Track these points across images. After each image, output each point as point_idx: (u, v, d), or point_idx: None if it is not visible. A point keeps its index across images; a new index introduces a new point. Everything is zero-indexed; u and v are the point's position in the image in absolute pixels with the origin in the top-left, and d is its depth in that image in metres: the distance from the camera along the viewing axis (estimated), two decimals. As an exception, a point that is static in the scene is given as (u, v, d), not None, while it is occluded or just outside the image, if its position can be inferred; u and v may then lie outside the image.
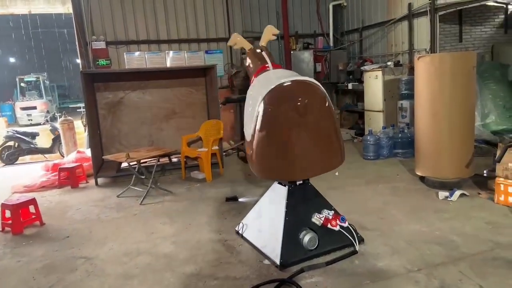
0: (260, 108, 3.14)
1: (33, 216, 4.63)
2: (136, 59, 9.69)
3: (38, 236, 4.32)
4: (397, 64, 8.14)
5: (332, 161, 3.32)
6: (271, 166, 3.24)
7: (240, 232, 3.86)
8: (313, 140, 3.18)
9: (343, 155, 3.35)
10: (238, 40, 4.04)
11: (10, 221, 4.44)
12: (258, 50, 4.00)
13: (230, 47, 10.40)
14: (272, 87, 3.15)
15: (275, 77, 3.44)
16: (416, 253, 3.33)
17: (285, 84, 3.18)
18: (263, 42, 4.06)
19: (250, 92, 3.64)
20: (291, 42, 10.39)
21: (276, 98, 3.14)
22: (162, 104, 7.33)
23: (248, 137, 3.38)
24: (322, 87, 3.27)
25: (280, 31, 4.19)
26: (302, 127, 3.11)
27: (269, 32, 4.06)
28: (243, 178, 6.12)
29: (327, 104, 3.20)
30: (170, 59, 9.85)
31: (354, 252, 3.34)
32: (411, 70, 7.54)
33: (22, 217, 4.50)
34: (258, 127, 3.15)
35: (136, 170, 5.69)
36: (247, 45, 4.05)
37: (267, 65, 3.81)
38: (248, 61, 4.07)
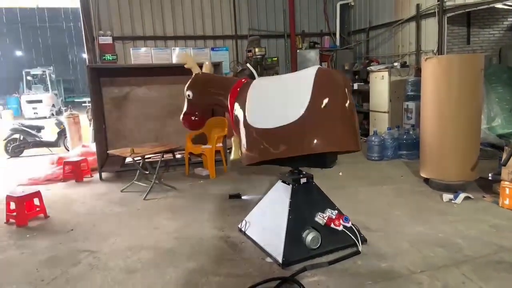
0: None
1: (38, 209, 4.66)
2: (143, 54, 9.71)
3: (42, 228, 4.35)
4: (403, 65, 8.11)
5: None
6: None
7: (243, 229, 3.86)
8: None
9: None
10: (190, 62, 4.15)
11: (14, 213, 4.47)
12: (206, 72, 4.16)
13: (236, 46, 10.41)
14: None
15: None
16: (419, 255, 3.32)
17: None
18: (206, 70, 4.18)
19: (268, 86, 3.54)
20: (297, 41, 10.38)
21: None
22: (167, 100, 7.33)
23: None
24: None
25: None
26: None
27: (192, 60, 4.19)
28: (247, 176, 6.13)
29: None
30: (176, 55, 9.86)
31: (357, 253, 3.34)
32: (418, 72, 7.52)
33: (27, 210, 4.53)
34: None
35: (140, 165, 5.70)
36: (196, 70, 4.10)
37: (242, 79, 3.84)
38: (198, 78, 4.05)
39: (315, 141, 2.95)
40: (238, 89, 3.67)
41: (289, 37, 10.58)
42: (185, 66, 4.10)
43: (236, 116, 3.56)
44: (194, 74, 4.09)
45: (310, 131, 2.97)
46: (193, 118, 4.10)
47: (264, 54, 9.40)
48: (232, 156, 4.04)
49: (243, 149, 3.39)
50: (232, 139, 4.03)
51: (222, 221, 4.30)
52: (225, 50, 10.29)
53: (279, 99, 3.26)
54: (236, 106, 3.60)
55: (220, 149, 6.39)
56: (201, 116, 4.14)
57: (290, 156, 3.09)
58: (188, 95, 4.04)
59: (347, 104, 3.07)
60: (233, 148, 4.02)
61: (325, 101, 2.97)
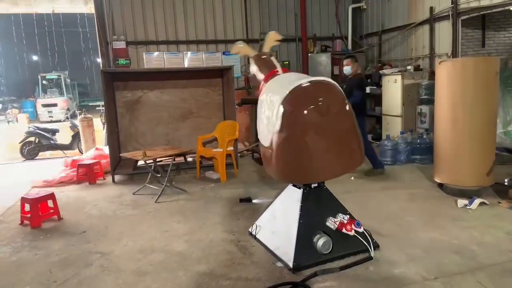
0: (280, 111, 3.11)
1: (51, 211, 4.72)
2: (155, 59, 9.81)
3: (55, 230, 4.41)
4: (417, 68, 8.02)
5: (351, 162, 3.30)
6: (291, 168, 3.22)
7: (254, 233, 3.85)
8: (333, 142, 3.15)
9: (362, 156, 3.34)
10: (241, 48, 4.09)
11: (29, 215, 4.54)
12: (264, 56, 4.01)
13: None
14: (291, 88, 3.12)
15: (290, 79, 3.43)
16: (433, 261, 3.26)
17: (304, 85, 3.15)
18: (266, 48, 4.07)
19: (262, 97, 3.61)
20: (308, 44, 10.36)
21: (297, 100, 3.11)
22: (179, 104, 7.40)
23: (265, 142, 3.39)
24: (339, 87, 3.27)
25: (282, 36, 4.19)
26: (323, 128, 3.09)
27: (272, 38, 4.08)
28: (258, 180, 6.12)
29: (346, 104, 3.19)
30: (188, 59, 9.94)
31: (369, 258, 3.29)
32: (432, 75, 7.42)
33: (41, 211, 4.60)
34: (278, 129, 3.12)
35: (152, 168, 5.75)
36: (251, 52, 4.07)
37: (276, 70, 3.80)
38: (254, 68, 4.05)
39: None
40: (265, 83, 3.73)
41: (300, 41, 10.57)
42: (240, 55, 4.23)
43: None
44: (250, 58, 4.09)
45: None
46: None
47: (275, 58, 9.38)
48: None
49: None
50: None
51: (232, 224, 4.30)
52: (236, 54, 10.32)
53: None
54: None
55: (231, 152, 6.40)
56: None
57: None
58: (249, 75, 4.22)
59: None
60: None
61: None
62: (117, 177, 6.46)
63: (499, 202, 4.55)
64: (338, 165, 3.23)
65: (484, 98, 4.63)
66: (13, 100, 26.21)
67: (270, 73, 3.79)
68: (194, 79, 7.39)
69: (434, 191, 5.14)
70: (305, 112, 3.05)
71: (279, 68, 3.82)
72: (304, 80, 3.21)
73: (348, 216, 3.38)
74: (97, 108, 14.39)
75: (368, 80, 9.38)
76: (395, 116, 7.86)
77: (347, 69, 5.94)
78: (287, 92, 3.12)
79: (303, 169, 3.18)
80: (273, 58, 3.99)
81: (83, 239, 4.10)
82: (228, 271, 3.24)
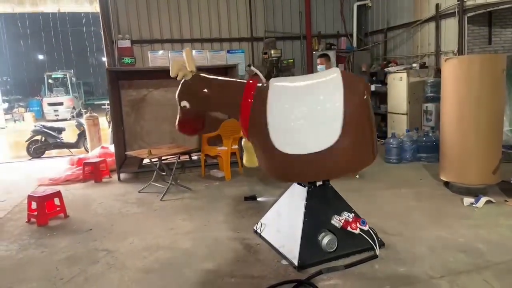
0: (354, 100, 3.07)
1: (58, 209, 4.76)
2: (160, 57, 9.83)
3: (62, 228, 4.44)
4: (423, 66, 7.97)
5: (373, 155, 3.38)
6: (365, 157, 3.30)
7: (258, 231, 3.85)
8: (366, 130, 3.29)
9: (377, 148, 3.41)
10: (181, 66, 3.35)
11: (35, 213, 4.58)
12: (203, 74, 3.45)
13: (252, 48, 10.41)
14: (341, 78, 3.09)
15: (308, 76, 3.60)
16: (439, 259, 3.25)
17: (346, 74, 3.21)
18: (192, 67, 3.37)
19: (281, 105, 3.15)
20: (313, 42, 10.33)
21: (355, 87, 3.15)
22: (183, 103, 7.40)
23: (313, 146, 3.07)
24: None
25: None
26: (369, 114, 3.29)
27: (190, 56, 3.46)
28: (262, 178, 6.11)
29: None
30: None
31: (374, 256, 3.28)
32: (438, 73, 7.38)
33: (47, 209, 4.63)
34: (344, 122, 3.03)
35: (157, 166, 5.77)
36: (189, 73, 3.36)
37: (254, 81, 3.41)
38: (197, 87, 3.39)
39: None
40: (251, 100, 3.25)
41: (305, 39, 10.54)
42: (178, 78, 3.35)
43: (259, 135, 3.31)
44: (184, 81, 3.37)
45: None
46: (191, 125, 3.57)
47: (280, 56, 9.37)
48: (245, 163, 3.80)
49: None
50: (243, 143, 3.79)
51: (237, 222, 4.30)
52: (241, 53, 10.32)
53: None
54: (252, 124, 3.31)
55: (236, 151, 6.41)
56: (201, 120, 3.61)
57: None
58: (184, 106, 3.37)
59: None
60: (245, 154, 3.73)
61: None
62: (122, 176, 6.49)
63: (506, 201, 4.52)
64: (371, 155, 3.33)
65: (491, 95, 4.59)
66: (19, 99, 26.45)
67: (249, 85, 3.32)
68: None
69: (440, 189, 5.11)
70: (365, 96, 3.16)
71: (263, 78, 3.55)
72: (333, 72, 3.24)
73: (353, 214, 3.38)
74: (102, 106, 14.44)
75: (373, 78, 9.34)
76: (401, 114, 7.83)
77: (321, 68, 5.92)
78: (340, 84, 3.05)
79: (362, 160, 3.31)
80: (253, 68, 3.91)
81: (89, 236, 4.13)
82: (233, 269, 3.25)
